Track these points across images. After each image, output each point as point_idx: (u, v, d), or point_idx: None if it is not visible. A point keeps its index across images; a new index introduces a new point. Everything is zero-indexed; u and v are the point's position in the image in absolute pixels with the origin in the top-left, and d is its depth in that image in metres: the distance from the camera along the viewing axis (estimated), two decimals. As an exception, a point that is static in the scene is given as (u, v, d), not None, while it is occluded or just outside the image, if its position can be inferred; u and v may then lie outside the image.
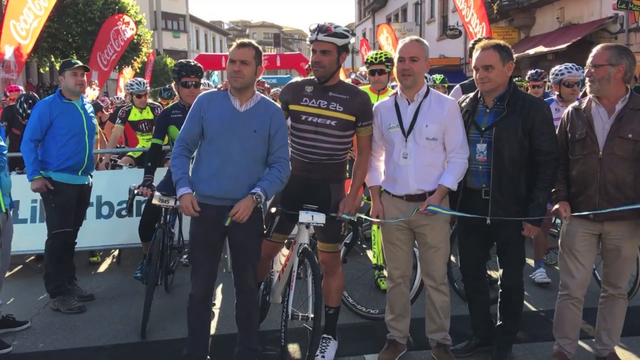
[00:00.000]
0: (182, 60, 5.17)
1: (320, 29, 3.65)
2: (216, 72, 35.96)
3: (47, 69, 23.12)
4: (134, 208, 5.91)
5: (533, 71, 6.95)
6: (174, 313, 4.83)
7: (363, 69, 8.53)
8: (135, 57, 21.72)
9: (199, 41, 52.74)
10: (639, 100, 3.51)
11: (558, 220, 3.75)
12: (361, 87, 4.87)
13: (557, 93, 5.59)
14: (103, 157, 7.11)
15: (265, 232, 3.75)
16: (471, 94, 3.88)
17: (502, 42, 3.69)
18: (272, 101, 3.75)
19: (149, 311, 4.44)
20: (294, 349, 4.12)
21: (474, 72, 3.72)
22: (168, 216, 4.95)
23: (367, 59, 5.56)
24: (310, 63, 3.86)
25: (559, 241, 3.85)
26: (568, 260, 3.71)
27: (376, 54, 5.55)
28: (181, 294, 5.26)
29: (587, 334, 4.16)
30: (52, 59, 21.23)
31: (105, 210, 6.15)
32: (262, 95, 3.74)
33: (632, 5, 14.40)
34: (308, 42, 3.76)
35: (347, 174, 4.08)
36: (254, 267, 3.73)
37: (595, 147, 3.50)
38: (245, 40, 3.68)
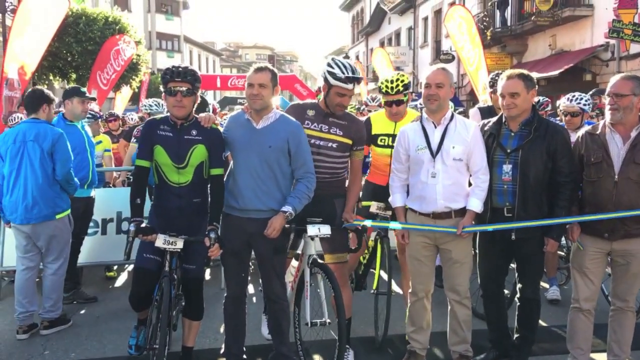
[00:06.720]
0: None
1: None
2: (210, 92, 36.10)
3: (45, 87, 23.12)
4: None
5: (535, 99, 7.24)
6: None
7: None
8: (133, 77, 21.86)
9: (193, 61, 53.07)
10: None
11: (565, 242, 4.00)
12: (373, 113, 5.00)
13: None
14: (119, 175, 7.30)
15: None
16: (494, 118, 4.12)
17: (525, 71, 3.95)
18: (292, 119, 3.93)
19: None
20: (311, 358, 4.28)
21: (500, 99, 3.97)
22: (173, 260, 3.84)
23: (382, 89, 4.70)
24: None
25: (570, 258, 4.09)
26: (578, 276, 3.95)
27: (392, 83, 4.58)
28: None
29: (599, 348, 4.34)
30: (51, 78, 21.23)
31: (125, 225, 6.22)
32: (282, 113, 3.97)
33: (623, 34, 14.86)
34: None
35: None
36: (279, 277, 3.96)
37: (611, 171, 3.73)
38: (262, 64, 3.91)
